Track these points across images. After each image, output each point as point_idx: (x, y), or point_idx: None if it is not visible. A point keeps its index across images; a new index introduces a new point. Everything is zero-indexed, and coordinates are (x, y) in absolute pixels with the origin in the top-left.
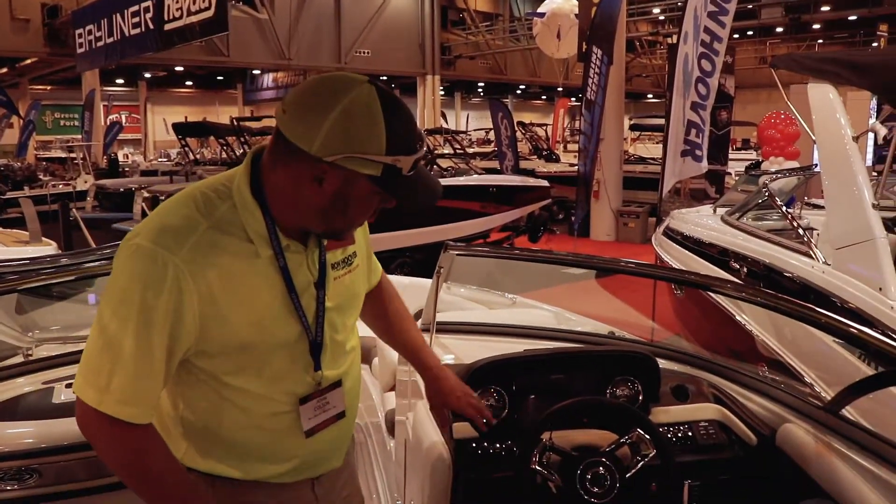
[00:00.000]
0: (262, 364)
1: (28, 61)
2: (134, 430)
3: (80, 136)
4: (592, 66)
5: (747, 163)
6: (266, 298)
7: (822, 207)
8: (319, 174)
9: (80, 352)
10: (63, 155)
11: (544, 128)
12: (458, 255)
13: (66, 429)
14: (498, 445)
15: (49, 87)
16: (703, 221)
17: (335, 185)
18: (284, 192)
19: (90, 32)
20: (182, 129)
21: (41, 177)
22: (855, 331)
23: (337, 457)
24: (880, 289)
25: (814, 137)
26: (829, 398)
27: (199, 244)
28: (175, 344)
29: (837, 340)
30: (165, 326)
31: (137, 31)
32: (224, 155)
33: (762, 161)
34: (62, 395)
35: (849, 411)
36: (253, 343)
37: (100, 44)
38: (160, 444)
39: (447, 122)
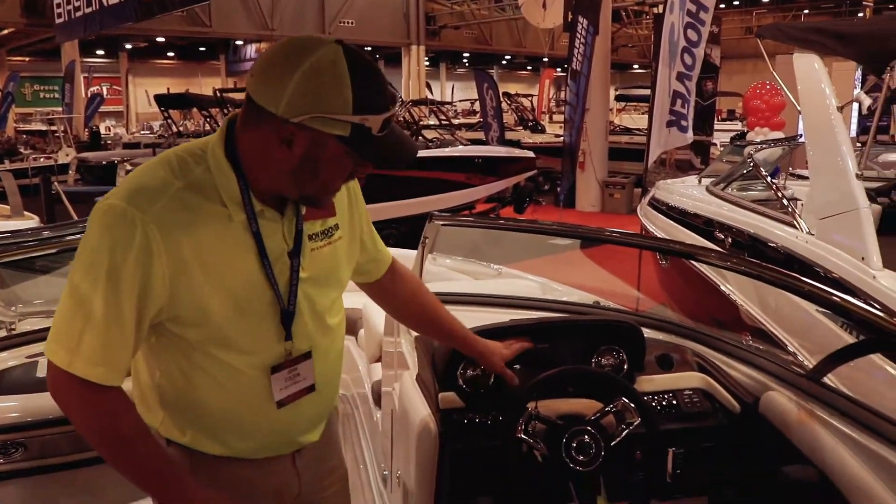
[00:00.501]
0: (234, 330)
1: (5, 32)
2: (105, 392)
3: (60, 109)
4: (578, 36)
5: (732, 133)
6: (237, 263)
7: (806, 178)
8: (287, 136)
9: None
10: (43, 128)
11: (530, 98)
12: (443, 225)
13: (51, 402)
14: (484, 415)
15: (27, 59)
16: (688, 192)
17: (303, 146)
18: (256, 156)
19: (69, 2)
20: (164, 101)
21: (21, 150)
22: (837, 299)
23: (312, 431)
24: (863, 258)
25: (799, 108)
26: (811, 366)
27: (170, 203)
28: (144, 304)
29: (820, 309)
30: (134, 286)
31: (116, 0)
32: (207, 127)
33: (747, 131)
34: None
35: (830, 379)
36: (223, 307)
37: (79, 14)
38: (130, 408)
39: (432, 93)
